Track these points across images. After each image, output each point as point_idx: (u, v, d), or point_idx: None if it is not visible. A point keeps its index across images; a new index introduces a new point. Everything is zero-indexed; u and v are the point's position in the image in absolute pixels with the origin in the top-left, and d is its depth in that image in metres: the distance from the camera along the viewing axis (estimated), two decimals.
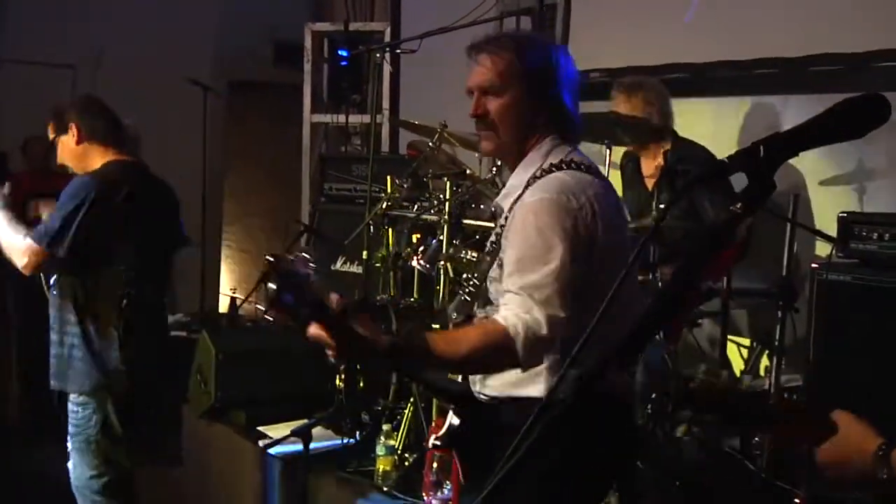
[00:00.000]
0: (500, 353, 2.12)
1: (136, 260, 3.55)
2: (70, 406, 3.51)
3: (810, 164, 4.35)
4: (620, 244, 2.29)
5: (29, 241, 3.41)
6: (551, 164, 2.27)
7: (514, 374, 2.21)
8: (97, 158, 3.59)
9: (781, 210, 3.67)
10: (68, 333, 3.49)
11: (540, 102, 2.32)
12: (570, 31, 5.64)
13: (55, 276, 3.52)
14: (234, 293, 7.58)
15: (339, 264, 5.75)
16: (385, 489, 3.55)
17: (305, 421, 3.71)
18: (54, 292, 3.53)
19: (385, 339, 2.10)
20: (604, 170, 4.10)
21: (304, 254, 2.13)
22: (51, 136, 3.64)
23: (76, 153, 3.60)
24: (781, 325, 3.68)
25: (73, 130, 3.57)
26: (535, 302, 2.11)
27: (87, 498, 3.56)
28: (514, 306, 2.13)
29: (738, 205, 1.23)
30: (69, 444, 3.55)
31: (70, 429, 3.53)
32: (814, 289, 3.40)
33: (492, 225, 3.90)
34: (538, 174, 2.28)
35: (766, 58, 4.61)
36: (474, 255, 3.96)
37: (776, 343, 3.69)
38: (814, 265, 3.44)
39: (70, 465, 3.56)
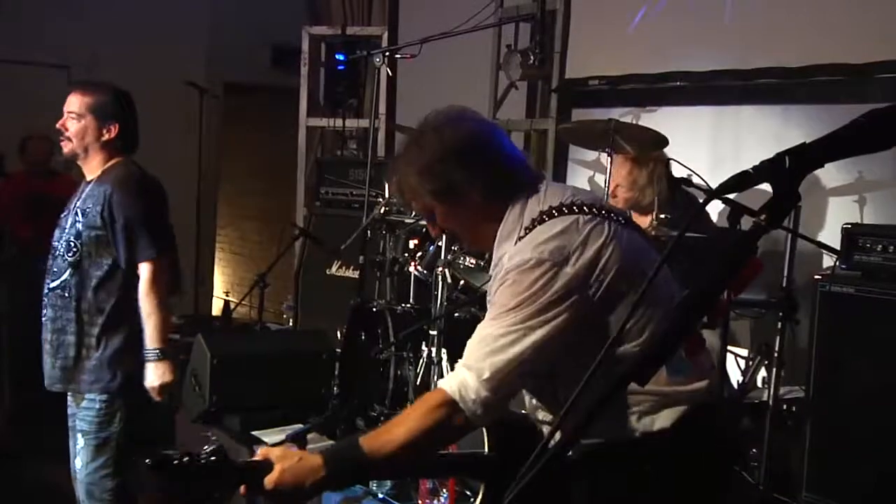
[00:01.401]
0: (442, 416, 1.99)
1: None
2: (86, 404, 3.44)
3: (811, 175, 4.33)
4: (634, 262, 2.06)
5: (146, 267, 3.38)
6: (532, 219, 2.10)
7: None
8: (106, 158, 3.49)
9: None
10: (89, 335, 3.41)
11: (475, 187, 2.14)
12: (568, 37, 5.62)
13: (66, 277, 3.42)
14: (227, 296, 7.55)
15: (334, 269, 5.72)
16: (381, 496, 3.51)
17: (300, 426, 3.66)
18: (65, 294, 3.43)
19: (318, 467, 1.96)
20: (603, 179, 4.08)
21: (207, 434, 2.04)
22: (75, 108, 3.43)
23: (95, 145, 3.46)
24: (781, 336, 3.66)
25: (113, 129, 3.46)
26: (492, 353, 1.97)
27: (95, 497, 3.50)
28: (473, 359, 1.99)
29: (763, 216, 1.19)
30: (79, 442, 3.48)
31: (85, 426, 3.45)
32: (817, 300, 3.39)
33: None
34: (522, 235, 2.11)
35: (767, 67, 4.59)
36: (472, 261, 3.93)
37: (776, 354, 3.67)
38: (817, 277, 3.42)
39: (78, 462, 3.49)
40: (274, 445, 3.62)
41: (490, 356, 1.97)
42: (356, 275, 5.01)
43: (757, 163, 1.22)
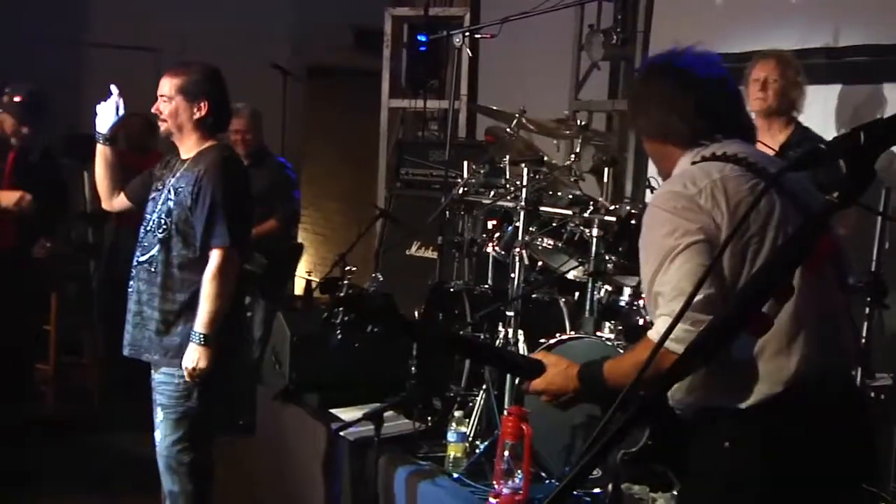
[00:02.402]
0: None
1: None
2: (165, 378, 3.51)
3: None
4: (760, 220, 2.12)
5: (215, 255, 3.42)
6: (693, 161, 2.25)
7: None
8: (201, 137, 3.56)
9: (871, 202, 3.53)
10: (171, 311, 3.48)
11: (659, 132, 2.34)
12: (652, 16, 5.52)
13: (154, 253, 3.50)
14: (309, 276, 7.65)
15: (413, 249, 5.74)
16: (455, 476, 3.52)
17: (378, 404, 3.69)
18: (152, 269, 3.50)
19: (574, 378, 2.31)
20: None
21: None
22: (166, 90, 3.52)
23: (189, 124, 3.53)
24: (869, 321, 3.55)
25: (204, 107, 3.52)
26: (673, 299, 2.08)
27: (173, 470, 3.58)
28: (662, 309, 2.11)
29: (835, 194, 1.15)
30: (158, 415, 3.56)
31: (164, 400, 3.53)
32: None
33: (569, 212, 3.85)
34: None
35: (858, 45, 4.45)
36: (550, 242, 3.90)
37: (864, 340, 3.56)
38: None
39: (158, 434, 3.58)
40: (349, 424, 3.70)
41: (674, 300, 2.08)
42: (435, 255, 5.02)
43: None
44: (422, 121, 7.01)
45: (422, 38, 6.68)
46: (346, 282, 2.21)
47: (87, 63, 7.36)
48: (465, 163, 4.52)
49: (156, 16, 7.19)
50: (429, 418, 3.96)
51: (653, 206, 2.21)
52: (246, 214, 3.66)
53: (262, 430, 4.71)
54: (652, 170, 5.32)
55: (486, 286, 4.26)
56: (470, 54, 5.47)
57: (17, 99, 4.90)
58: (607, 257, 3.63)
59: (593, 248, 3.65)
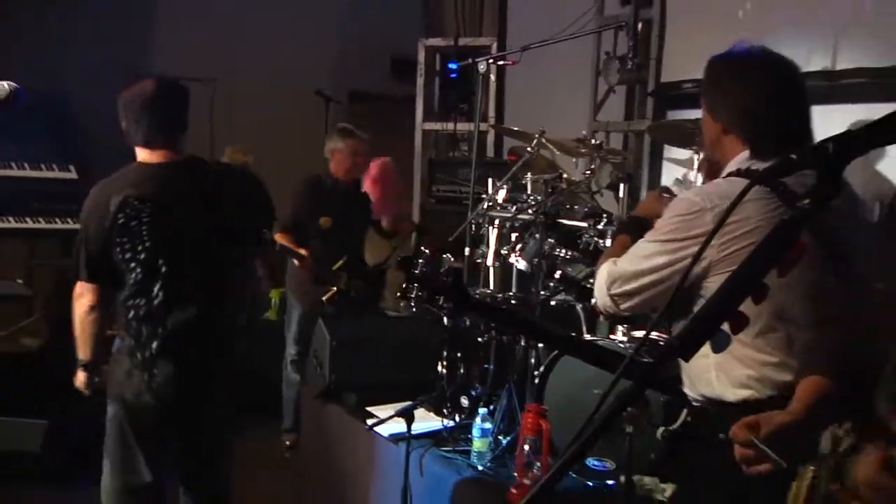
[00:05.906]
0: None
1: None
2: None
3: None
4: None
5: (81, 284, 3.20)
6: (731, 171, 2.09)
7: (712, 376, 2.03)
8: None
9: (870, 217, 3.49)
10: None
11: (722, 116, 2.18)
12: (664, 45, 5.51)
13: None
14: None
15: None
16: (480, 468, 3.52)
17: (409, 403, 3.70)
18: None
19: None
20: (692, 174, 3.99)
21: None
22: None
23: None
24: None
25: (123, 125, 3.19)
26: (613, 268, 2.18)
27: None
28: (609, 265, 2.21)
29: (807, 201, 1.15)
30: None
31: None
32: None
33: (584, 224, 3.85)
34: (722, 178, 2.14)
35: (855, 68, 4.39)
36: (568, 252, 3.90)
37: None
38: None
39: None
40: (383, 420, 3.72)
41: (620, 262, 2.16)
42: (463, 266, 5.02)
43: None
44: (453, 142, 7.05)
45: (452, 65, 6.74)
46: (421, 261, 2.20)
47: None
48: (490, 179, 4.54)
49: (211, 48, 7.26)
50: (456, 416, 3.96)
51: (674, 202, 2.12)
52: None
53: (306, 428, 4.75)
54: (666, 182, 5.33)
55: (510, 294, 4.26)
56: (494, 80, 5.48)
57: None
58: None
59: None
